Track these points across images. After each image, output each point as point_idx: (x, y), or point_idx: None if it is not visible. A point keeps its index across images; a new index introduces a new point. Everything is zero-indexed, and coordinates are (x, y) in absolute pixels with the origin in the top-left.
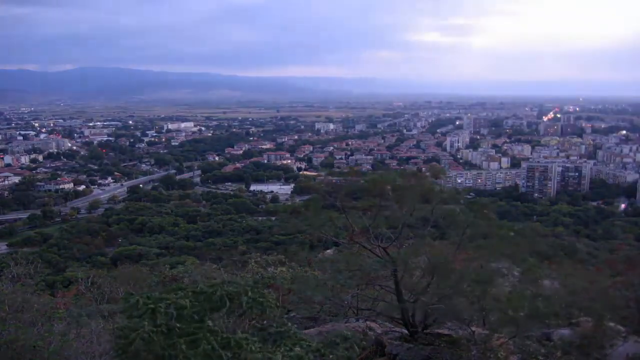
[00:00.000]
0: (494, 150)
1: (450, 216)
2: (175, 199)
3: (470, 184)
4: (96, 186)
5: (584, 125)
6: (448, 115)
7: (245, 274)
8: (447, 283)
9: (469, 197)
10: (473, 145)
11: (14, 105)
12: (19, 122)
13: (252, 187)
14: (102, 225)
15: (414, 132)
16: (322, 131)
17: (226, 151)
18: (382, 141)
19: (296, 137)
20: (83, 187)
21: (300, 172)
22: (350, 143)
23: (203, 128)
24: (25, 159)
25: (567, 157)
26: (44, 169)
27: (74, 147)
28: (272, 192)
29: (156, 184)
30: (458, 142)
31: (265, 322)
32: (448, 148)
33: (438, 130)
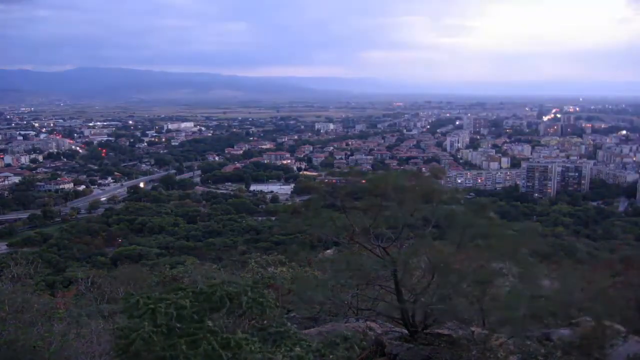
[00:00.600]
0: (494, 150)
1: (451, 216)
2: (175, 199)
3: (470, 184)
4: (96, 186)
5: (584, 125)
6: (448, 115)
7: (245, 274)
8: (447, 283)
9: (469, 197)
10: (473, 145)
11: (14, 105)
12: (19, 122)
13: (252, 187)
14: (102, 225)
15: (414, 132)
16: (322, 131)
17: (226, 151)
18: (382, 141)
19: (296, 137)
20: (83, 187)
21: (300, 172)
22: (350, 143)
23: (203, 128)
24: (25, 159)
25: (567, 157)
26: (44, 169)
27: (74, 147)
28: (272, 192)
29: (156, 184)
30: (458, 142)
31: (265, 322)
32: (448, 148)
33: (438, 130)
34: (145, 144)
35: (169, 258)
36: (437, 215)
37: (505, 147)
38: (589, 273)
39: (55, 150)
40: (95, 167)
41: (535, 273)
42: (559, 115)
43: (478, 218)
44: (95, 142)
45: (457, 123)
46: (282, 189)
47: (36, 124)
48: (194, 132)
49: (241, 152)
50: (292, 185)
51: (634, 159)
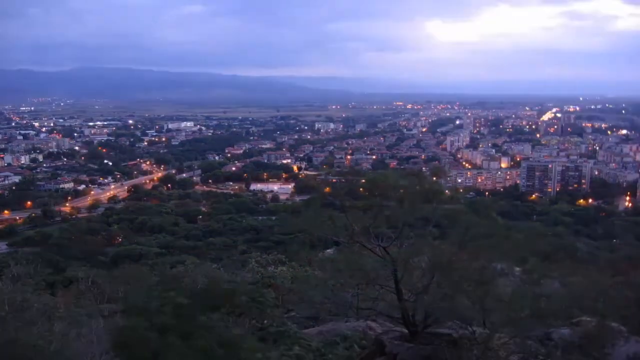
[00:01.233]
0: (494, 150)
1: (451, 216)
2: (176, 198)
3: (470, 184)
4: (96, 186)
5: (584, 124)
6: (448, 114)
7: (246, 274)
8: (448, 283)
9: (469, 196)
10: (473, 144)
11: (14, 105)
12: (19, 121)
13: (252, 187)
14: (102, 225)
15: (414, 131)
16: (322, 131)
17: (226, 150)
18: (382, 141)
19: (296, 136)
20: (83, 186)
21: (301, 172)
22: (350, 142)
23: (203, 127)
24: (25, 159)
25: (567, 156)
26: (44, 169)
27: (74, 147)
28: (272, 191)
29: (156, 183)
30: (458, 142)
31: (265, 321)
32: (448, 147)
33: (438, 130)
34: (146, 143)
35: (169, 258)
36: (438, 214)
37: (506, 147)
38: (590, 273)
39: (56, 150)
40: (96, 167)
41: (537, 273)
42: (559, 115)
43: (479, 218)
44: (95, 141)
45: (457, 122)
46: (282, 189)
47: (36, 124)
48: (194, 132)
49: (241, 151)
50: (292, 185)
51: (634, 158)
